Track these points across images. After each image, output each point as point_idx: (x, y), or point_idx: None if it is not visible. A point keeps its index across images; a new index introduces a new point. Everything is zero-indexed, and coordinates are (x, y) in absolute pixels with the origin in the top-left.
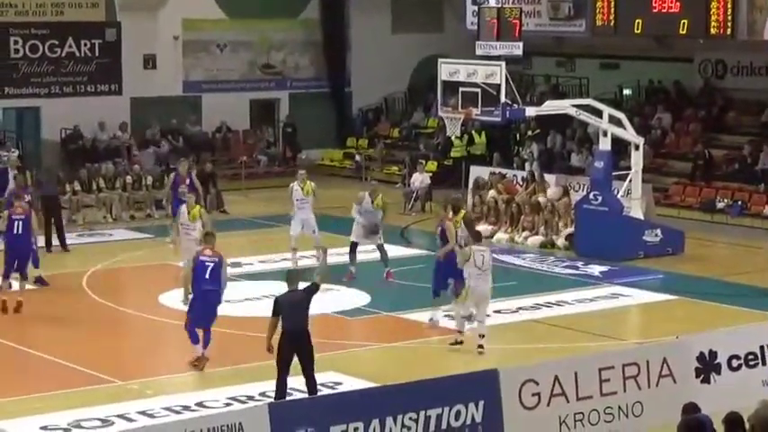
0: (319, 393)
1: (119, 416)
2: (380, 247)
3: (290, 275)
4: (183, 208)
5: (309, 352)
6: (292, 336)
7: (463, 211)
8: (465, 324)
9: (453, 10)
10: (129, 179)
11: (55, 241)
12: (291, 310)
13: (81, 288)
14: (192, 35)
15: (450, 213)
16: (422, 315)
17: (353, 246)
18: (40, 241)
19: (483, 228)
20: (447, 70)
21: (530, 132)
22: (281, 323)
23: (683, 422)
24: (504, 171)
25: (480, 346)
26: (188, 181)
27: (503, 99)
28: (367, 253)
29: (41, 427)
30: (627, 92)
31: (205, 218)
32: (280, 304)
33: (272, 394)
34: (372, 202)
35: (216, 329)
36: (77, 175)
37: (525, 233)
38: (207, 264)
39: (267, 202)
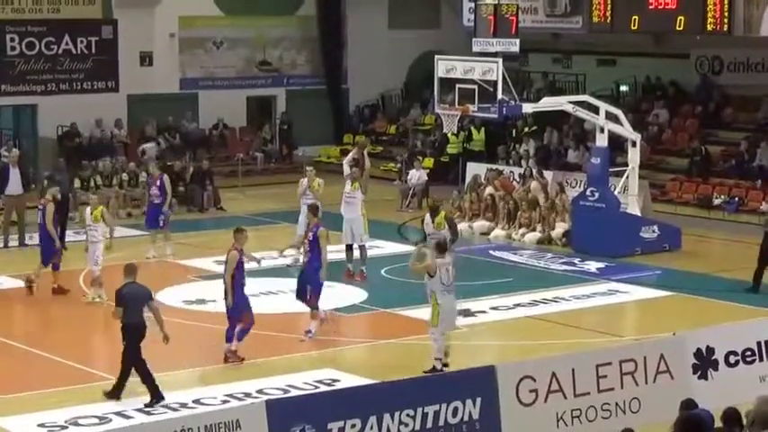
0: (317, 390)
1: (116, 413)
2: (361, 248)
3: (129, 268)
4: (87, 210)
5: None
6: (137, 328)
7: (443, 212)
8: (444, 347)
9: (450, 6)
10: (125, 176)
11: None
12: (134, 303)
13: (78, 285)
14: (188, 32)
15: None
16: (419, 312)
17: (348, 246)
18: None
19: (480, 224)
20: (444, 67)
21: (526, 129)
22: (124, 317)
23: (680, 418)
24: (500, 168)
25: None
26: (158, 183)
27: (499, 96)
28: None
29: (39, 425)
30: (624, 88)
31: (108, 220)
32: (124, 297)
33: (271, 391)
34: (351, 185)
35: (213, 326)
36: (78, 172)
37: (522, 230)
38: None
39: (264, 199)
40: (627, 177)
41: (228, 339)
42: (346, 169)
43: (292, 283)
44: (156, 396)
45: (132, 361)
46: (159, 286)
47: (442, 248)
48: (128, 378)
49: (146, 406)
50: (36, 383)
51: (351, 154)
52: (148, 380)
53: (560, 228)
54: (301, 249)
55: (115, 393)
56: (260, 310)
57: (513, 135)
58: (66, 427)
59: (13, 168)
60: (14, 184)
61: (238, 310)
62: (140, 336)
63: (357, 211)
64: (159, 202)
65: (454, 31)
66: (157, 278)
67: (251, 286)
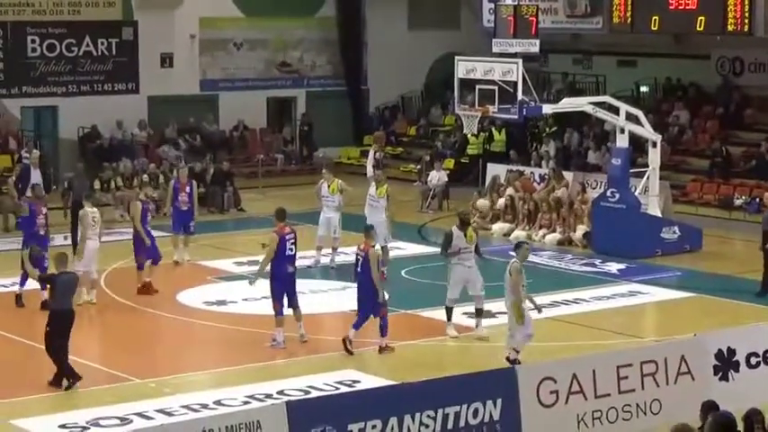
0: (338, 391)
1: (137, 414)
2: (383, 248)
3: (60, 258)
4: None
5: (70, 330)
6: (65, 315)
7: (471, 227)
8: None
9: (470, 7)
10: (145, 178)
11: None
12: (65, 291)
13: (99, 286)
14: (208, 34)
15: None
16: (439, 313)
17: None
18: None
19: (500, 226)
20: (464, 68)
21: (547, 130)
22: (54, 304)
23: (715, 420)
24: (521, 168)
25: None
26: (188, 189)
27: (519, 96)
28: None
29: (60, 426)
30: (644, 89)
31: (86, 224)
32: (56, 283)
33: (291, 392)
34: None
35: (235, 328)
36: (99, 174)
37: (543, 231)
38: None
39: (284, 201)
40: (647, 178)
41: (383, 332)
42: (369, 170)
43: (312, 284)
44: (63, 377)
45: (56, 346)
46: (179, 287)
47: (516, 248)
48: (66, 362)
49: (65, 388)
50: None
51: (371, 153)
52: (64, 366)
53: (581, 229)
54: (322, 251)
55: (58, 380)
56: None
57: (534, 136)
58: (88, 428)
59: (34, 170)
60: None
61: (381, 303)
62: (68, 322)
63: (382, 215)
64: (187, 208)
65: (474, 32)
66: (178, 279)
67: (265, 287)
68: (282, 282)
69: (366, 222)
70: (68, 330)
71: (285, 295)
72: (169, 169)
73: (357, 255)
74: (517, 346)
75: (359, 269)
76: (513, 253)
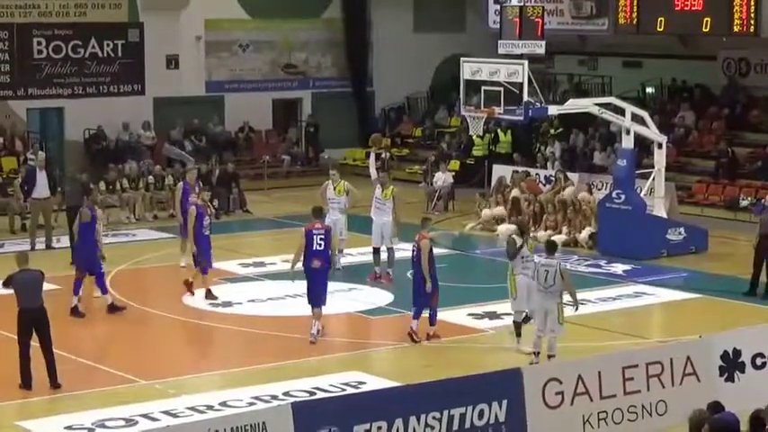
0: (343, 392)
1: (142, 415)
2: (389, 250)
3: (20, 257)
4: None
5: (47, 328)
6: (29, 313)
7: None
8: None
9: (475, 9)
10: (151, 179)
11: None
12: (26, 289)
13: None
14: (214, 35)
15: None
16: (445, 315)
17: (375, 249)
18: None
19: (505, 227)
20: (469, 69)
21: (552, 131)
22: (18, 301)
23: (711, 427)
24: (528, 170)
25: None
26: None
27: (525, 98)
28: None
29: (66, 427)
30: (650, 90)
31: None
32: (13, 281)
33: (297, 393)
34: (382, 191)
35: (239, 329)
36: (103, 176)
37: (548, 232)
38: None
39: (290, 202)
40: (653, 179)
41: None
42: (373, 173)
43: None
44: (25, 382)
45: (19, 342)
46: (183, 289)
47: (550, 248)
48: (54, 360)
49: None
50: (62, 386)
51: (372, 156)
52: (24, 364)
53: (586, 230)
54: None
55: (54, 382)
56: (287, 313)
57: (539, 137)
58: (93, 430)
59: (40, 171)
60: (41, 188)
61: (432, 293)
62: (34, 320)
63: (388, 216)
64: None
65: (480, 34)
66: (182, 281)
67: (275, 289)
68: (307, 275)
69: (372, 225)
70: (42, 328)
71: (311, 290)
72: (181, 173)
73: (413, 246)
74: (552, 350)
75: (414, 259)
76: (542, 255)
